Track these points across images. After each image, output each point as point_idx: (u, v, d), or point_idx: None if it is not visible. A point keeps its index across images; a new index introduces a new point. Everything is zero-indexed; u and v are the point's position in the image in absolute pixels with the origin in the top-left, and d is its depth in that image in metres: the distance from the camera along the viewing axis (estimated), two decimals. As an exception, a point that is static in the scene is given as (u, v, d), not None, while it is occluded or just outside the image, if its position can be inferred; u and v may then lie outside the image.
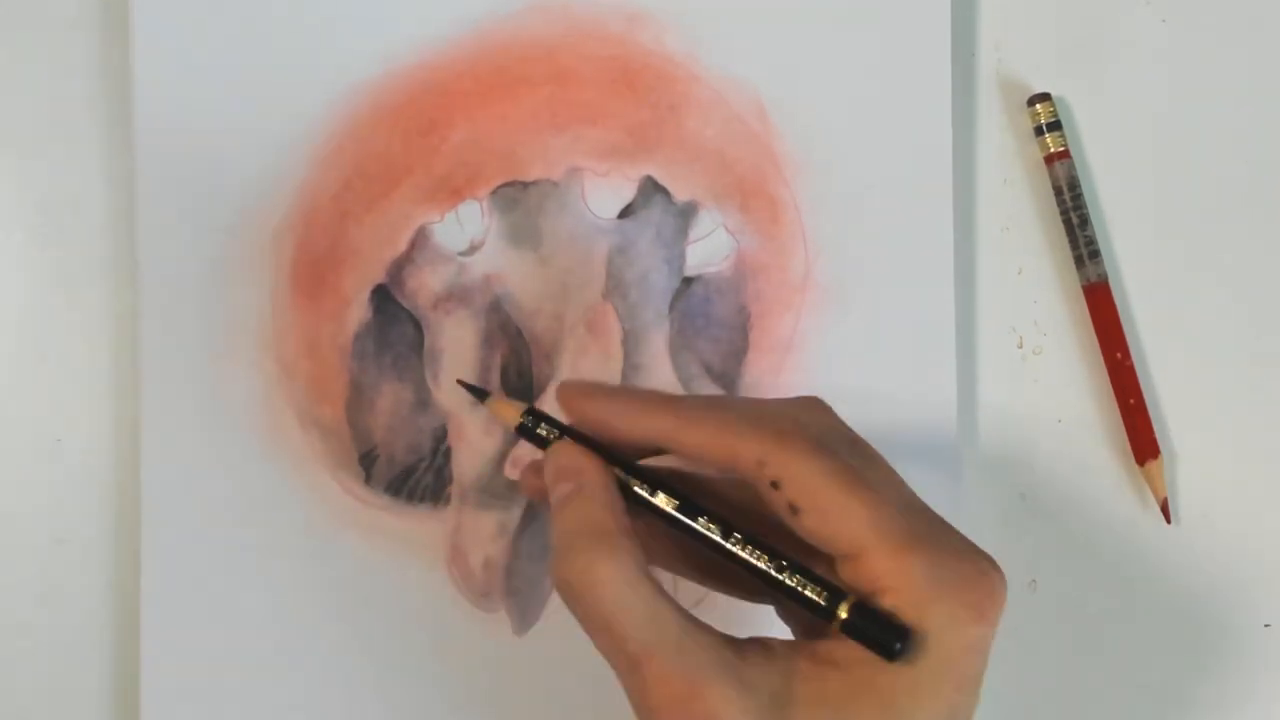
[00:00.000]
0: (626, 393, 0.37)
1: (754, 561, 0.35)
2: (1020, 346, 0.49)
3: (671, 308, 0.47)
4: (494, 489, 0.46)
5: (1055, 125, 0.48)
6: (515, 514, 0.46)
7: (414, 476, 0.46)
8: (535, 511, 0.46)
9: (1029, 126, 0.49)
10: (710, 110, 0.47)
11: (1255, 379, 0.49)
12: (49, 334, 0.47)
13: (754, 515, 0.36)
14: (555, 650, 0.46)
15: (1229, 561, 0.48)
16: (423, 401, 0.46)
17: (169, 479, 0.45)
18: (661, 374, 0.47)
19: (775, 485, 0.34)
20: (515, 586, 0.46)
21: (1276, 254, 0.49)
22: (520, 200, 0.47)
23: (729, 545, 0.35)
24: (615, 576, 0.34)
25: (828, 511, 0.34)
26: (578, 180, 0.47)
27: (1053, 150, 0.48)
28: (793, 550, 0.35)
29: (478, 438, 0.46)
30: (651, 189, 0.47)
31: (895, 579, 0.33)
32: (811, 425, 0.36)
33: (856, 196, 0.47)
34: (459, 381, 0.41)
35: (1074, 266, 0.48)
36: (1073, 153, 0.48)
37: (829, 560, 0.35)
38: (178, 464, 0.45)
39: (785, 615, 0.38)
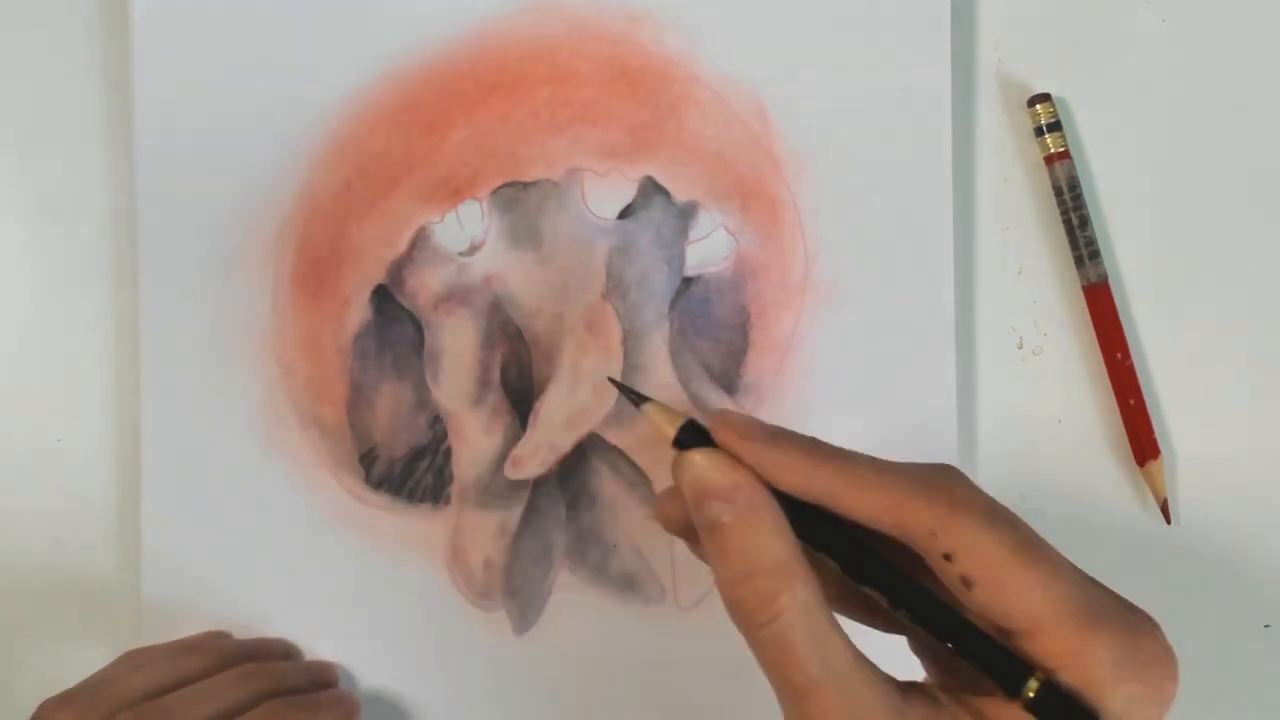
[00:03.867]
0: (789, 440, 0.34)
1: (935, 625, 0.33)
2: (1020, 346, 0.49)
3: (671, 308, 0.47)
4: (494, 489, 0.46)
5: (1055, 125, 0.48)
6: (515, 514, 0.46)
7: (414, 476, 0.46)
8: (535, 511, 0.46)
9: (1029, 126, 0.49)
10: (710, 110, 0.47)
11: (1255, 379, 0.49)
12: (49, 334, 0.47)
13: (916, 564, 0.34)
14: (555, 650, 0.46)
15: (1229, 561, 0.48)
16: (423, 401, 0.46)
17: (169, 479, 0.45)
18: (661, 374, 0.47)
19: (948, 557, 0.33)
20: (515, 586, 0.46)
21: (1276, 254, 0.49)
22: (520, 200, 0.47)
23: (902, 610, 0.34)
24: (796, 605, 0.33)
25: (1005, 585, 0.33)
26: (578, 180, 0.47)
27: (1053, 150, 0.48)
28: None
29: (478, 438, 0.46)
30: (651, 189, 0.47)
31: (1076, 658, 0.32)
32: (984, 494, 0.34)
33: (856, 197, 0.47)
34: (610, 380, 0.37)
35: (1074, 266, 0.48)
36: (1073, 153, 0.48)
37: (1000, 633, 0.34)
38: (178, 464, 0.45)
39: (919, 649, 0.36)
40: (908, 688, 0.33)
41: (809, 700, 0.32)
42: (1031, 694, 0.32)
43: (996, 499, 0.35)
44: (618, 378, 0.46)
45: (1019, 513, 0.48)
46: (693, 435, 0.33)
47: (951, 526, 0.33)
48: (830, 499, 0.34)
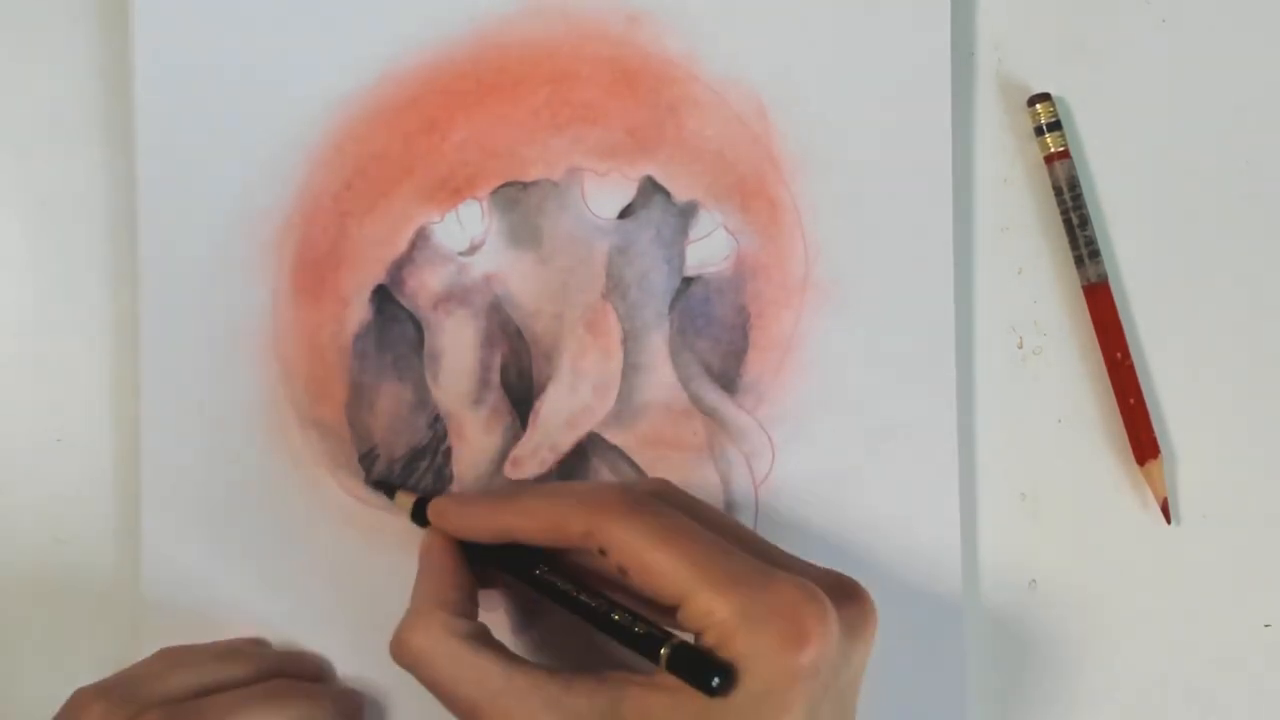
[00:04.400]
0: (474, 500, 0.42)
1: (588, 610, 0.39)
2: (1020, 346, 0.49)
3: (671, 308, 0.47)
4: (494, 489, 0.46)
5: (1055, 125, 0.48)
6: (515, 514, 0.46)
7: (414, 476, 0.46)
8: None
9: (1029, 126, 0.49)
10: (710, 110, 0.47)
11: (1255, 379, 0.49)
12: (49, 334, 0.47)
13: (612, 582, 0.40)
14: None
15: (1229, 561, 0.48)
16: (423, 401, 0.46)
17: (169, 479, 0.45)
18: (661, 374, 0.47)
19: (603, 552, 0.38)
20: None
21: (1276, 254, 0.49)
22: (520, 200, 0.47)
23: (568, 600, 0.40)
24: (430, 648, 0.39)
25: (648, 567, 0.37)
26: (578, 180, 0.47)
27: (1053, 150, 0.48)
28: (640, 607, 0.39)
29: (478, 437, 0.46)
30: (651, 189, 0.47)
31: (709, 618, 0.36)
32: (633, 491, 0.40)
33: (856, 197, 0.47)
34: (372, 483, 0.46)
35: (1074, 266, 0.48)
36: (1073, 153, 0.48)
37: (663, 611, 0.38)
38: (178, 464, 0.45)
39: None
40: (576, 678, 0.38)
41: (476, 717, 0.38)
42: (665, 653, 0.37)
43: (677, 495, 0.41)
44: (618, 378, 0.47)
45: (1019, 513, 0.48)
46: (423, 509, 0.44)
47: (601, 525, 0.38)
48: (509, 534, 0.41)
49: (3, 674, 0.47)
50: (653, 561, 0.37)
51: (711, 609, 0.36)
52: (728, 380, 0.47)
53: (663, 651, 0.37)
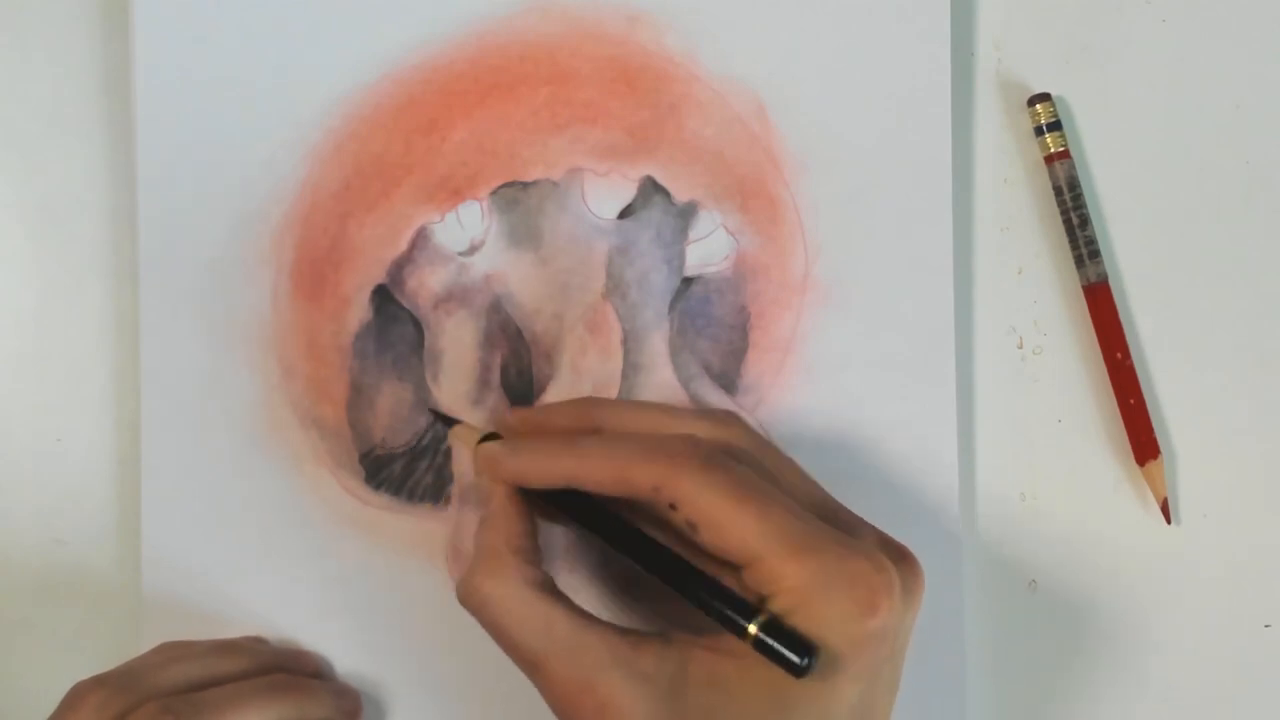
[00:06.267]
0: (531, 445, 0.40)
1: (667, 563, 0.38)
2: (1020, 346, 0.49)
3: (671, 308, 0.47)
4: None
5: (1055, 125, 0.48)
6: (515, 514, 0.46)
7: (414, 476, 0.46)
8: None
9: (1029, 126, 0.49)
10: (710, 110, 0.47)
11: (1255, 379, 0.49)
12: (49, 334, 0.47)
13: (673, 535, 0.39)
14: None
15: (1229, 561, 0.48)
16: (423, 401, 0.46)
17: (169, 479, 0.45)
18: (661, 374, 0.47)
19: (673, 507, 0.37)
20: (515, 586, 0.46)
21: (1276, 254, 0.49)
22: (520, 200, 0.47)
23: (644, 551, 0.38)
24: (502, 593, 0.38)
25: (721, 525, 0.37)
26: (578, 180, 0.47)
27: (1053, 150, 0.48)
28: (696, 559, 0.38)
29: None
30: (651, 189, 0.47)
31: (784, 582, 0.36)
32: (704, 444, 0.39)
33: (856, 197, 0.47)
34: (431, 410, 0.45)
35: (1074, 266, 0.48)
36: (1073, 153, 0.48)
37: (731, 569, 0.37)
38: (178, 464, 0.45)
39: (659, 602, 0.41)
40: (643, 637, 0.38)
41: (540, 671, 0.37)
42: (754, 632, 0.36)
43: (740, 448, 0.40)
44: (618, 378, 0.47)
45: (1019, 513, 0.48)
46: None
47: (671, 479, 0.37)
48: (574, 480, 0.39)
49: (3, 674, 0.47)
50: (726, 520, 0.36)
51: (784, 573, 0.36)
52: (728, 380, 0.47)
53: (751, 629, 0.36)
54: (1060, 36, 0.49)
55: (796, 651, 0.35)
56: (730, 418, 0.41)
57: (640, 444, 0.39)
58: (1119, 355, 0.48)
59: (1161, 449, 0.48)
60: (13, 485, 0.47)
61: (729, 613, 0.36)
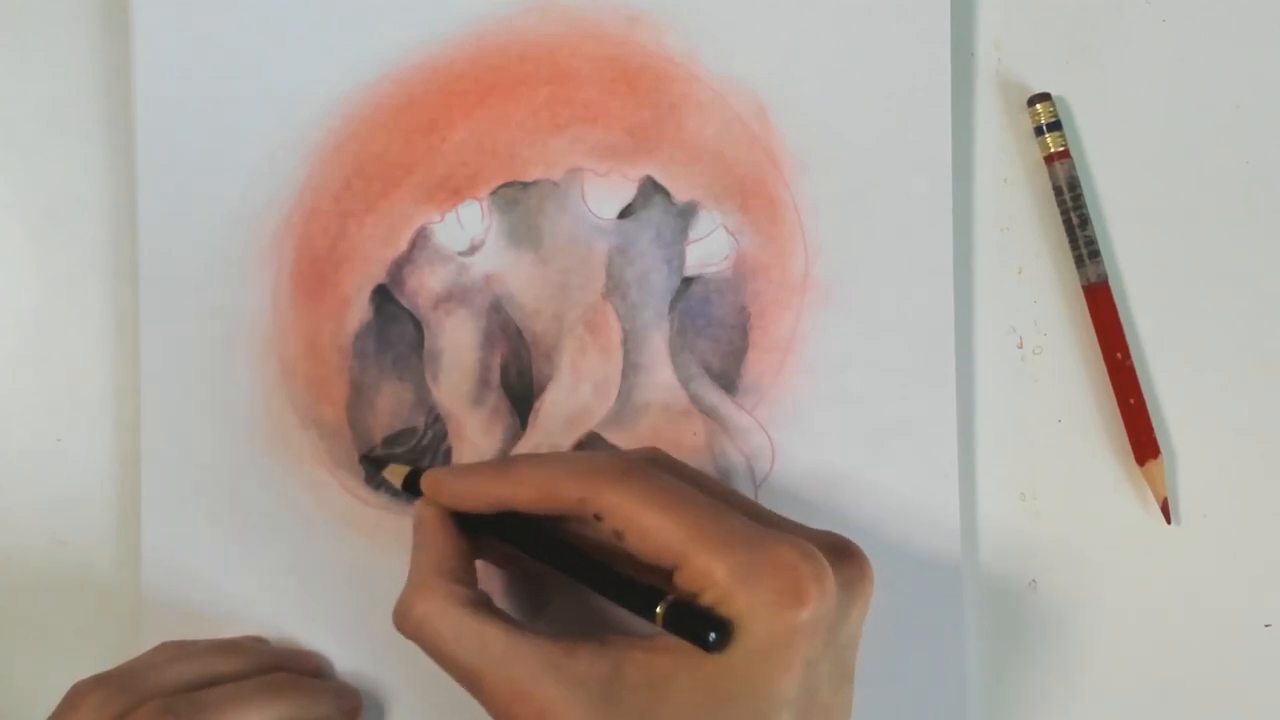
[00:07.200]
0: (467, 471, 0.42)
1: (587, 569, 0.39)
2: (1020, 346, 0.49)
3: (671, 308, 0.47)
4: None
5: (1055, 125, 0.48)
6: (515, 514, 0.46)
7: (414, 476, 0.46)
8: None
9: (1029, 126, 0.49)
10: (710, 110, 0.47)
11: (1255, 379, 0.49)
12: (49, 334, 0.47)
13: (608, 549, 0.40)
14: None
15: (1229, 561, 0.48)
16: (422, 401, 0.46)
17: (169, 479, 0.45)
18: (661, 374, 0.47)
19: (599, 518, 0.38)
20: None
21: (1276, 254, 0.49)
22: (520, 200, 0.47)
23: (566, 561, 0.40)
24: (435, 614, 0.39)
25: (645, 530, 0.38)
26: (578, 180, 0.47)
27: (1053, 150, 0.48)
28: (637, 573, 0.39)
29: (478, 438, 0.46)
30: (651, 189, 0.47)
31: (707, 578, 0.37)
32: (627, 456, 0.40)
33: (856, 196, 0.47)
34: (361, 456, 0.46)
35: (1074, 266, 0.48)
36: (1073, 153, 0.48)
37: (668, 575, 0.38)
38: (178, 464, 0.45)
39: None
40: (578, 643, 0.38)
41: (479, 685, 0.38)
42: (661, 612, 0.37)
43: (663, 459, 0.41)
44: (618, 378, 0.47)
45: (1019, 513, 0.48)
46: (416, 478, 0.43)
47: (594, 490, 0.38)
48: (503, 503, 0.40)
49: (3, 674, 0.47)
50: (649, 524, 0.38)
51: (709, 569, 0.37)
52: (728, 380, 0.47)
53: (659, 609, 0.37)
54: (1060, 36, 0.49)
55: (709, 629, 0.36)
56: (652, 449, 0.42)
57: (567, 461, 0.40)
58: (1119, 355, 0.48)
59: (1161, 449, 0.48)
60: (13, 485, 0.47)
61: (640, 596, 0.38)
